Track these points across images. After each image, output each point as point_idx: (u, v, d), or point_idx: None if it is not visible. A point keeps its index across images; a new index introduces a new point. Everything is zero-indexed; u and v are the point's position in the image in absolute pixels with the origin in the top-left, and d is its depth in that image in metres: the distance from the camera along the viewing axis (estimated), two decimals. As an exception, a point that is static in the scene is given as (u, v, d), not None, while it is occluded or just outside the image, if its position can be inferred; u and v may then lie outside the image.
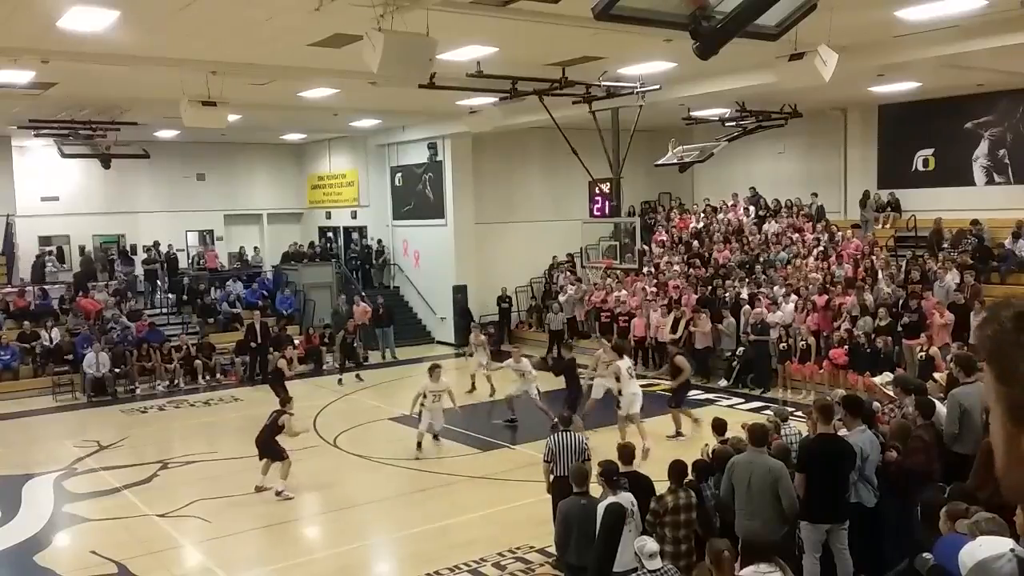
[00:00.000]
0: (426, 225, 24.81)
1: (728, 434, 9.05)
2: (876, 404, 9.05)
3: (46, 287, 22.23)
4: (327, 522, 11.36)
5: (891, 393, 9.19)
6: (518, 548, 9.57)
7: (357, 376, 19.75)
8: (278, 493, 11.55)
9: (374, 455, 13.69)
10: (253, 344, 20.29)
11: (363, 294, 24.10)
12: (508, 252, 24.41)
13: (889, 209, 21.09)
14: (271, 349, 20.34)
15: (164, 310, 23.28)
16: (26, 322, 20.41)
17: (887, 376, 9.92)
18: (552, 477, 9.09)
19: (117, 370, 19.25)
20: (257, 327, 20.34)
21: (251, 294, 23.67)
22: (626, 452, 8.13)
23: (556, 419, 11.22)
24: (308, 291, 24.35)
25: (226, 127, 16.05)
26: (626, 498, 7.25)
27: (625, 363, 13.32)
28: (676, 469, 7.53)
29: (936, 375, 11.84)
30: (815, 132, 22.11)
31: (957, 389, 8.03)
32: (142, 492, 12.06)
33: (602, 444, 11.06)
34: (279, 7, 10.20)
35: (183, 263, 26.06)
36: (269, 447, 11.65)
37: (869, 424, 7.90)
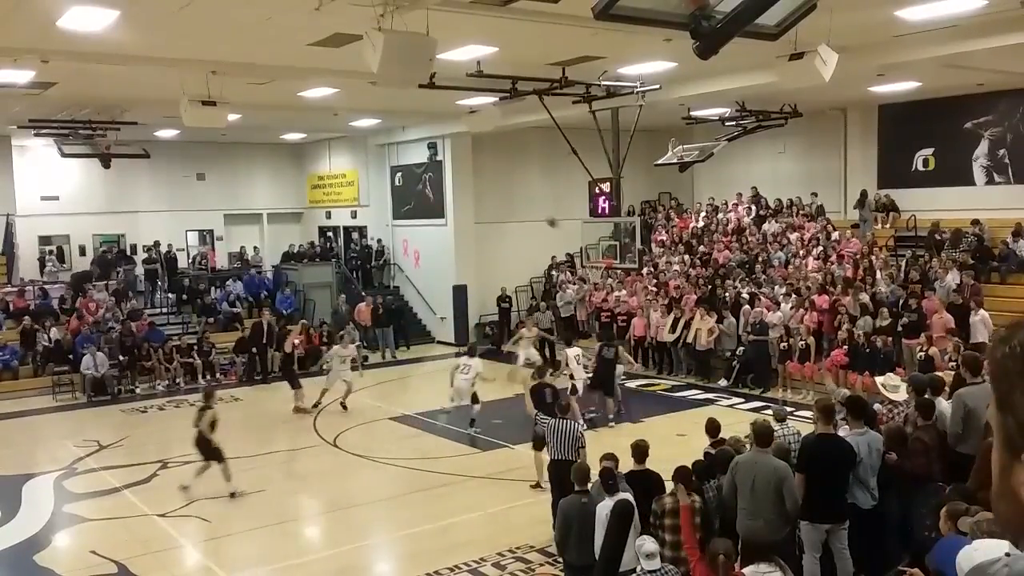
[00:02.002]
0: (426, 225, 24.81)
1: (726, 436, 9.01)
2: (877, 406, 9.03)
3: (46, 287, 22.26)
4: (327, 522, 11.37)
5: (890, 396, 9.14)
6: (518, 548, 9.57)
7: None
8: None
9: (374, 455, 13.69)
10: (255, 347, 20.26)
11: (365, 294, 24.11)
12: (508, 252, 24.40)
13: (887, 211, 21.06)
14: (273, 348, 20.39)
15: (164, 310, 23.30)
16: (26, 318, 20.34)
17: (890, 377, 9.86)
18: (549, 460, 9.47)
19: (121, 359, 19.30)
20: (264, 325, 20.17)
21: (249, 284, 23.68)
22: (639, 450, 8.14)
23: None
24: (308, 291, 24.37)
25: (226, 127, 16.06)
26: (627, 498, 7.26)
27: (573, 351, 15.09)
28: (681, 473, 7.51)
29: (937, 375, 11.80)
30: (815, 132, 22.10)
31: (962, 389, 8.01)
32: (142, 492, 12.07)
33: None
34: (279, 7, 10.20)
35: (183, 263, 26.07)
36: (205, 446, 11.66)
37: (871, 425, 7.89)
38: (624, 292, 20.73)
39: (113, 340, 19.75)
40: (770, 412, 10.53)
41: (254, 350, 20.30)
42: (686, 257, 22.21)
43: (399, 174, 25.78)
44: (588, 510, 7.34)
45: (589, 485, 7.67)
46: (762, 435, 7.45)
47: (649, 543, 6.48)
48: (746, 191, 23.90)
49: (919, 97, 19.45)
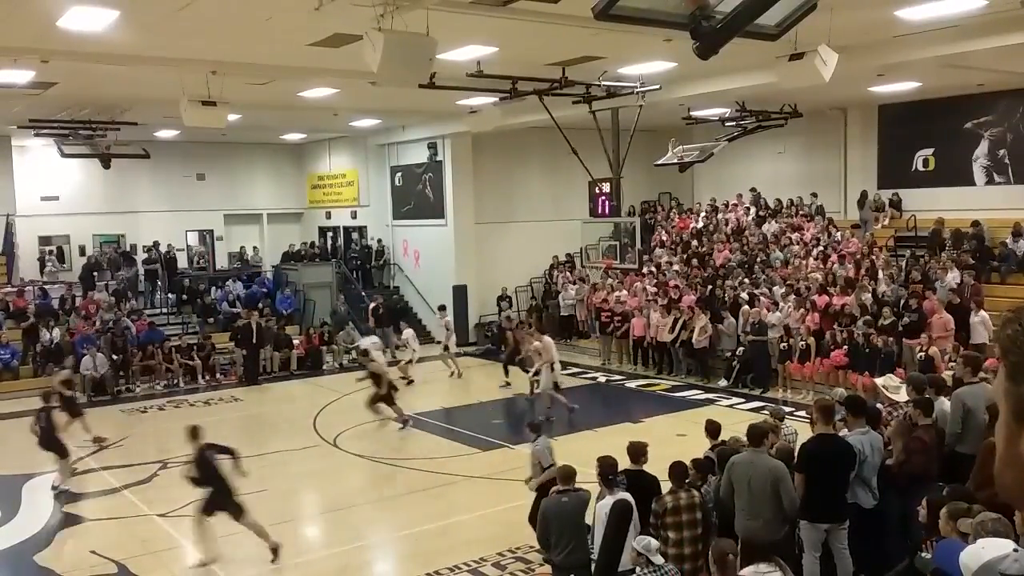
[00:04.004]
0: (426, 225, 24.81)
1: (726, 437, 9.00)
2: (879, 405, 9.03)
3: (46, 287, 22.25)
4: (327, 522, 11.37)
5: (892, 395, 9.13)
6: (518, 548, 9.57)
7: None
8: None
9: (374, 455, 13.69)
10: (246, 349, 20.25)
11: (368, 294, 24.11)
12: (508, 252, 24.40)
13: (888, 206, 21.05)
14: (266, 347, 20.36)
15: (164, 310, 23.29)
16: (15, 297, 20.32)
17: (890, 378, 9.83)
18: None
19: (117, 358, 19.27)
20: (254, 326, 20.26)
21: (251, 294, 23.67)
22: (635, 450, 8.12)
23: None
24: (308, 291, 24.36)
25: (226, 127, 16.07)
26: (626, 497, 7.26)
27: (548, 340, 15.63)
28: (676, 470, 7.52)
29: (938, 375, 11.79)
30: (815, 132, 22.10)
31: (961, 388, 8.02)
32: (142, 492, 12.07)
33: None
34: (279, 7, 10.20)
35: (182, 263, 26.06)
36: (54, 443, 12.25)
37: (873, 425, 7.88)
38: (624, 292, 20.72)
39: (112, 341, 19.74)
40: (768, 413, 10.54)
41: (244, 352, 20.28)
42: (685, 257, 22.21)
43: (399, 174, 25.78)
44: (567, 509, 7.38)
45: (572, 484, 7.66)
46: (755, 435, 7.46)
47: (653, 540, 6.50)
48: (746, 191, 23.90)
49: (919, 97, 19.46)
